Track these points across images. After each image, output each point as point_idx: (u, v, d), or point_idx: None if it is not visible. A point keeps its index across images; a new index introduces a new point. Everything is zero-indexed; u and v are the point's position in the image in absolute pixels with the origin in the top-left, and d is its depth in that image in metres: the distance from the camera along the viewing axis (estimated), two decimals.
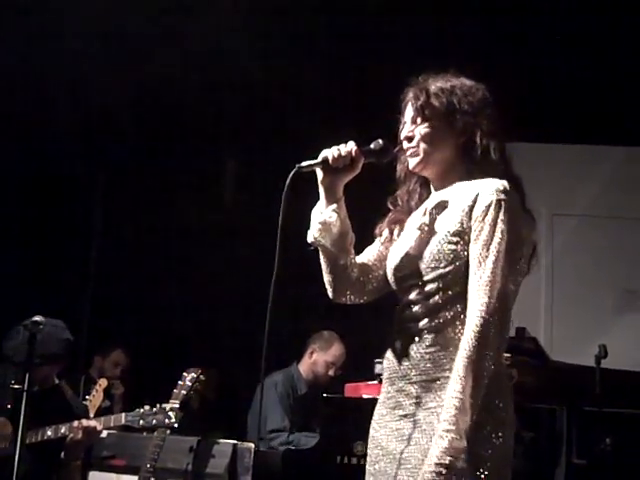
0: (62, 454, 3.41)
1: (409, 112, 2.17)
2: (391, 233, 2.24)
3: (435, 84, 2.15)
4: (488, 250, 1.96)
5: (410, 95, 2.17)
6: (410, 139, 2.15)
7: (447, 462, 1.85)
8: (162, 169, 6.09)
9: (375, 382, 4.18)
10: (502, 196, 2.00)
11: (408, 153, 2.16)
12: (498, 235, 1.97)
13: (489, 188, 2.02)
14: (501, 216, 1.98)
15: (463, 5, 4.93)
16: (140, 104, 5.47)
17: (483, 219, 1.99)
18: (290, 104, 5.52)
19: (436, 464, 1.87)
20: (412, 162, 2.16)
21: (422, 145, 2.13)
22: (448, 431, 1.87)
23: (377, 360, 4.14)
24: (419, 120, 2.14)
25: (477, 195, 2.02)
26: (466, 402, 1.88)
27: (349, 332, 5.22)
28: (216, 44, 5.04)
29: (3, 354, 3.50)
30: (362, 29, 5.10)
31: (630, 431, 4.08)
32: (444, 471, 1.85)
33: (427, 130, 2.12)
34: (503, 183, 2.03)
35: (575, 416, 4.10)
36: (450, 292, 2.02)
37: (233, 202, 6.42)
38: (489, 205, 1.99)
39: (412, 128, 2.15)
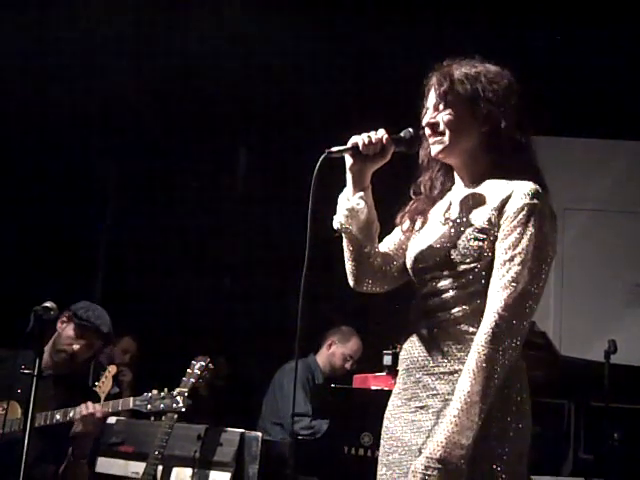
0: (70, 450, 3.44)
1: (432, 98, 2.14)
2: (413, 223, 2.22)
3: (460, 70, 2.11)
4: (514, 251, 1.96)
5: (433, 80, 2.13)
6: (433, 126, 2.12)
7: (438, 456, 1.84)
8: (175, 158, 6.09)
9: (383, 374, 4.19)
10: (535, 201, 1.98)
11: (431, 140, 2.13)
12: (527, 238, 1.96)
13: (523, 190, 2.00)
14: (532, 221, 1.97)
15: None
16: (153, 95, 5.47)
17: (514, 220, 1.98)
18: (302, 92, 5.51)
19: (427, 458, 1.86)
20: (435, 149, 2.13)
21: (447, 132, 2.09)
22: (449, 424, 1.87)
23: (386, 351, 4.15)
24: (442, 107, 2.10)
25: (509, 195, 2.00)
26: (473, 397, 1.87)
27: (358, 324, 5.24)
28: (228, 36, 5.04)
29: (86, 322, 3.58)
30: (375, 18, 5.09)
31: (638, 427, 4.07)
32: (434, 465, 1.84)
33: (450, 117, 2.09)
34: (537, 187, 2.01)
35: (583, 411, 4.10)
36: (471, 288, 2.01)
37: (245, 190, 6.43)
38: (522, 208, 1.98)
39: (434, 115, 2.12)
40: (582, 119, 5.62)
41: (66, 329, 3.61)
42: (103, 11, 4.84)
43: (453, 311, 2.02)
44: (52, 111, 5.34)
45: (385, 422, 2.14)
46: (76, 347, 3.59)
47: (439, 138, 2.11)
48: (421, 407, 2.03)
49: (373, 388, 4.18)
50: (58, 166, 5.68)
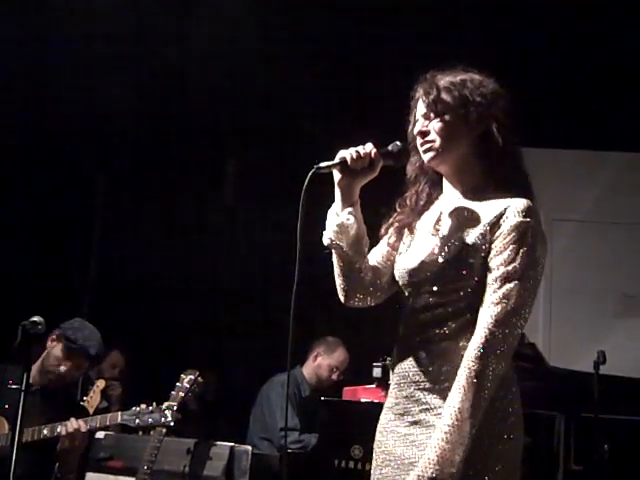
0: (56, 467, 3.41)
1: (421, 109, 2.13)
2: (400, 235, 2.21)
3: (444, 79, 2.11)
4: (507, 268, 1.96)
5: (420, 92, 2.13)
6: (424, 134, 2.11)
7: (430, 474, 1.84)
8: (163, 168, 6.08)
9: (373, 386, 4.18)
10: (529, 219, 1.99)
11: (423, 148, 2.11)
12: (520, 256, 1.97)
13: (517, 207, 2.00)
14: (526, 239, 1.97)
15: (464, 7, 4.93)
16: (142, 103, 5.46)
17: (507, 237, 1.98)
18: (291, 103, 5.51)
19: (419, 476, 1.86)
20: (427, 157, 2.11)
21: (438, 139, 2.08)
22: (440, 442, 1.86)
23: (375, 364, 4.14)
24: (432, 115, 2.10)
25: (503, 212, 2.00)
26: (464, 414, 1.87)
27: (348, 336, 5.23)
28: (217, 44, 5.04)
29: (74, 344, 3.56)
30: (364, 28, 5.10)
31: (628, 438, 4.08)
32: None
33: (441, 124, 2.08)
34: (530, 204, 2.01)
35: (573, 422, 4.10)
36: (462, 303, 2.01)
37: (233, 201, 6.42)
38: (516, 226, 1.98)
39: (426, 123, 2.11)
40: (570, 130, 5.64)
41: (55, 349, 3.60)
42: (94, 18, 4.83)
43: (444, 326, 2.02)
44: (39, 119, 5.33)
45: (378, 436, 2.13)
46: (63, 369, 3.58)
47: (430, 145, 2.10)
48: (413, 422, 2.03)
49: (363, 400, 4.17)
50: (47, 173, 5.66)
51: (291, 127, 5.67)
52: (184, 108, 5.62)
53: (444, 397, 1.96)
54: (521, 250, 1.97)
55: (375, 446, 2.13)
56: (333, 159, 2.12)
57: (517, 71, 5.04)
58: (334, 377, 5.07)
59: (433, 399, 2.00)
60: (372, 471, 2.12)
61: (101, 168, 6.26)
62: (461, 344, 1.98)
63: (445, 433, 1.86)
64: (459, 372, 1.92)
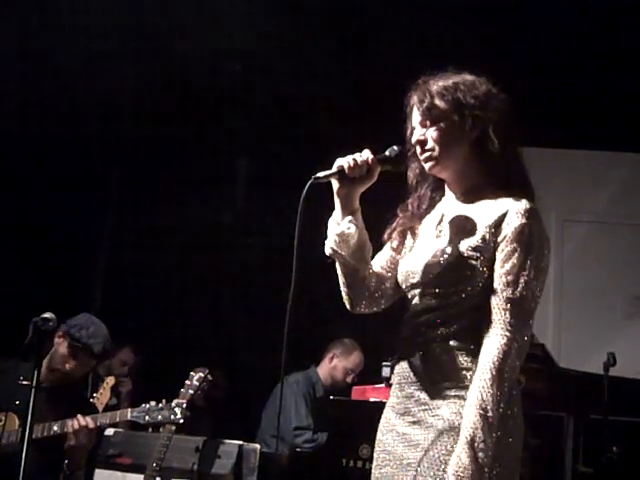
0: (65, 464, 3.42)
1: (416, 116, 2.14)
2: (403, 239, 2.22)
3: (437, 84, 2.10)
4: (518, 273, 1.98)
5: (414, 99, 2.13)
6: (422, 143, 2.11)
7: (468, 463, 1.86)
8: (174, 168, 6.10)
9: (382, 385, 4.18)
10: (532, 221, 2.00)
11: (423, 157, 2.12)
12: (529, 260, 1.98)
13: (518, 209, 2.01)
14: (531, 243, 1.99)
15: (470, 6, 4.92)
16: (154, 102, 5.48)
17: (514, 241, 1.99)
18: (302, 103, 5.51)
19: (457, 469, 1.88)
20: (428, 166, 2.13)
21: (437, 147, 2.09)
22: (473, 441, 1.88)
23: (384, 363, 4.14)
24: (428, 123, 2.10)
25: (504, 213, 2.01)
26: (495, 414, 1.90)
27: (357, 336, 5.23)
28: (229, 42, 5.04)
29: (78, 342, 3.54)
30: (379, 33, 5.09)
31: (637, 440, 4.07)
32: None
33: (438, 132, 2.09)
34: (531, 205, 2.02)
35: (582, 424, 4.09)
36: (464, 305, 2.01)
37: (245, 201, 6.43)
38: (521, 228, 1.99)
39: (423, 132, 2.11)
40: (581, 131, 5.62)
41: (60, 346, 3.59)
42: (104, 12, 4.83)
43: (445, 327, 2.02)
44: (52, 118, 5.34)
45: (378, 435, 2.14)
46: (69, 367, 3.58)
47: (429, 154, 2.11)
48: (413, 422, 2.04)
49: (372, 400, 4.16)
50: (59, 168, 5.68)
51: (301, 126, 5.67)
52: (197, 106, 5.62)
53: (443, 397, 1.99)
54: (530, 254, 1.98)
55: (376, 445, 2.14)
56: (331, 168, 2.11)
57: (529, 71, 5.03)
58: (349, 380, 5.07)
59: (432, 400, 2.01)
60: (372, 470, 2.12)
61: (114, 167, 6.28)
62: (462, 345, 2.00)
63: (478, 438, 1.88)
64: (480, 375, 1.93)
